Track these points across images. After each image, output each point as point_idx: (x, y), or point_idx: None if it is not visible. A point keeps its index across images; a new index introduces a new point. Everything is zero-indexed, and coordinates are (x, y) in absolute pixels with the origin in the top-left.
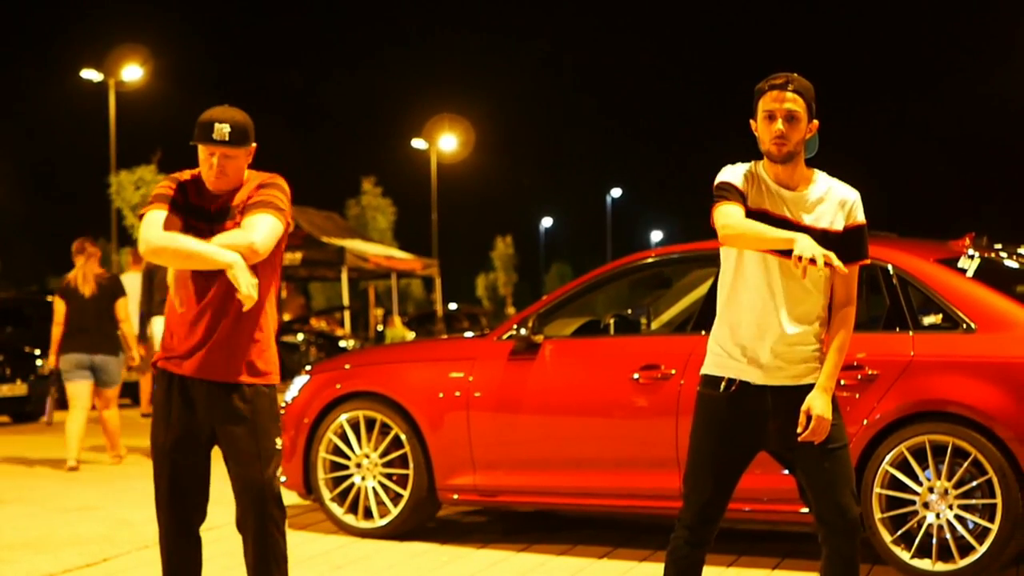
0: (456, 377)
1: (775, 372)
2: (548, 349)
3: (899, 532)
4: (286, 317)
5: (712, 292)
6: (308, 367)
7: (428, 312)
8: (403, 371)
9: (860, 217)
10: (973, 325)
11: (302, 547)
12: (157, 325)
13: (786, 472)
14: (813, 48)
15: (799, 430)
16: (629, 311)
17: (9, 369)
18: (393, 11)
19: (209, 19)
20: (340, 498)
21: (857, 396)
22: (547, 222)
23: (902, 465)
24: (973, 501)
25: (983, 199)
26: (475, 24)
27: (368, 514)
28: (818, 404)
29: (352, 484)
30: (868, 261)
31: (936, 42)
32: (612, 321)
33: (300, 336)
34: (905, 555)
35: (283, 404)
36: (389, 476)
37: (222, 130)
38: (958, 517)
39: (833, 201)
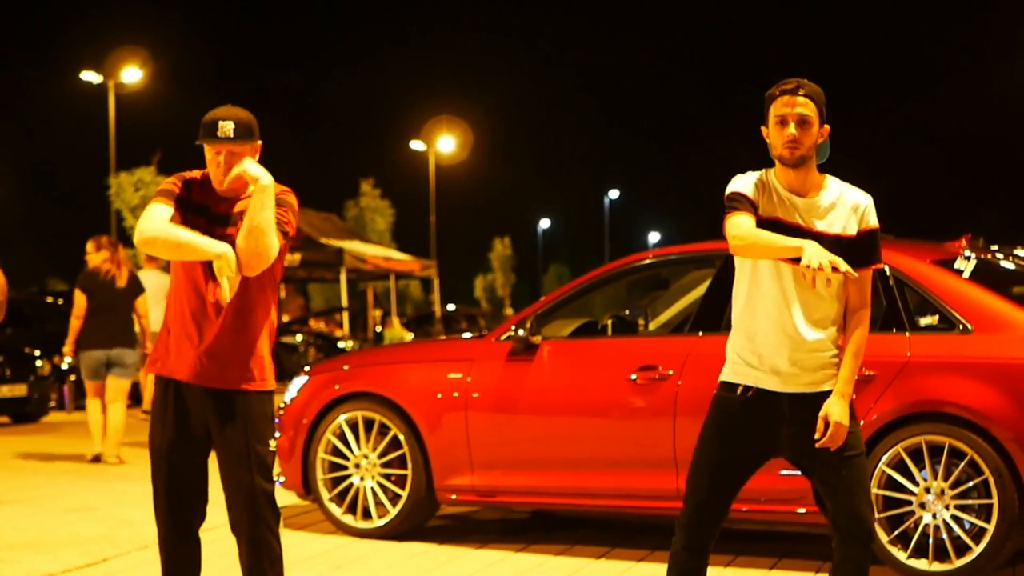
0: (454, 378)
1: (793, 379)
2: (546, 350)
3: (896, 532)
4: (285, 318)
5: (709, 293)
6: (307, 368)
7: (426, 313)
8: (402, 372)
9: (873, 221)
10: (969, 326)
11: (301, 547)
12: None
13: (784, 473)
14: (812, 49)
15: (816, 436)
16: (627, 312)
17: (9, 370)
18: (392, 12)
19: (208, 20)
20: (339, 498)
21: (854, 397)
22: (545, 223)
23: (899, 466)
24: (969, 501)
25: (981, 200)
26: (474, 25)
27: (367, 514)
28: (836, 410)
29: (351, 484)
30: (882, 265)
31: (935, 43)
32: (610, 322)
33: (299, 337)
34: (902, 555)
35: (282, 405)
36: (388, 476)
37: (226, 127)
38: (954, 517)
39: (846, 206)
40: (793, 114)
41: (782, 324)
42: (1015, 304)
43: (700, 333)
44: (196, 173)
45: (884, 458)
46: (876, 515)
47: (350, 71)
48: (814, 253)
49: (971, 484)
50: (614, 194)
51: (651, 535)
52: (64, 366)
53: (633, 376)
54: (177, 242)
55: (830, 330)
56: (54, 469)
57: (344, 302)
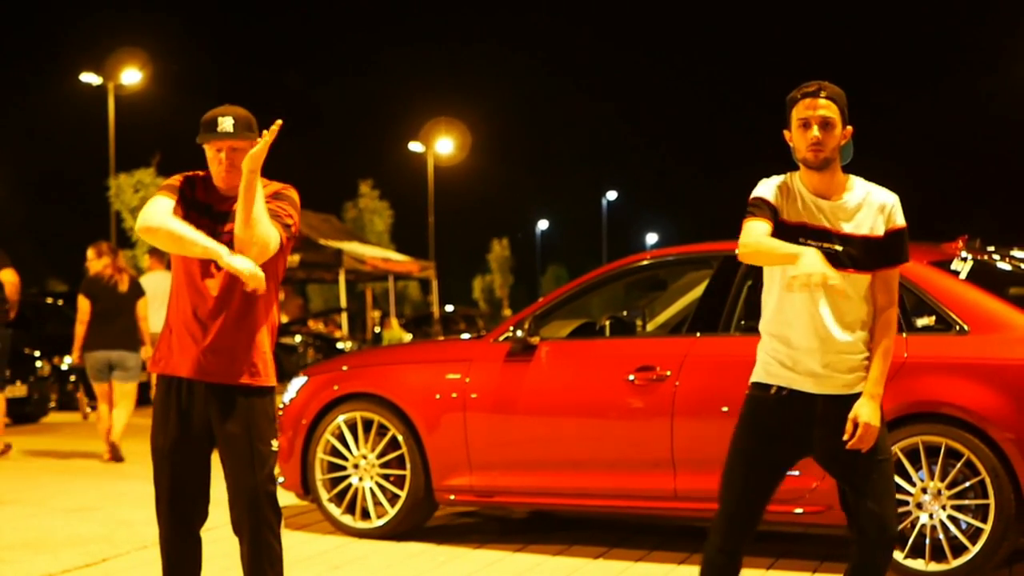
0: (453, 379)
1: (827, 381)
2: (544, 351)
3: None
4: (284, 319)
5: (707, 294)
6: (306, 369)
7: (425, 314)
8: (400, 373)
9: (900, 220)
10: (966, 327)
11: (300, 547)
12: None
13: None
14: (808, 52)
15: (845, 437)
16: (625, 313)
17: (9, 371)
18: (391, 15)
19: (207, 23)
20: (338, 499)
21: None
22: (543, 225)
23: (896, 466)
24: (966, 502)
25: (975, 202)
26: (472, 28)
27: (365, 514)
28: (865, 411)
29: (349, 485)
30: (908, 263)
31: (929, 46)
32: (608, 323)
33: (298, 338)
34: (898, 555)
35: (281, 405)
36: (386, 477)
37: (225, 123)
38: (951, 517)
39: (872, 206)
40: (816, 116)
41: (815, 327)
42: (1011, 305)
43: (698, 334)
44: (200, 172)
45: None
46: None
47: (349, 73)
48: (808, 263)
49: (968, 484)
50: (612, 195)
51: (649, 535)
52: (64, 367)
53: (631, 377)
54: (179, 236)
55: (861, 332)
56: (54, 469)
57: (343, 303)
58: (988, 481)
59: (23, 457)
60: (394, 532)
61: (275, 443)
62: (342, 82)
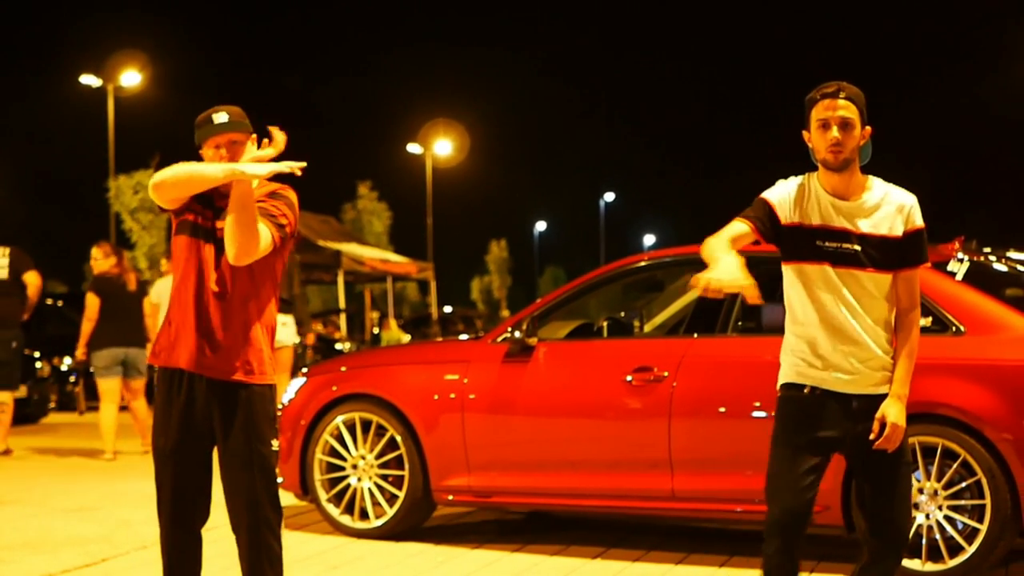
0: (451, 379)
1: (857, 381)
2: (542, 351)
3: None
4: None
5: (704, 295)
6: (304, 369)
7: (423, 315)
8: (399, 373)
9: (919, 221)
10: (962, 328)
11: (298, 547)
12: None
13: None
14: (807, 53)
15: (872, 437)
16: (622, 314)
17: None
18: (389, 17)
19: (206, 25)
20: (336, 499)
21: None
22: (541, 226)
23: None
24: (962, 502)
25: (971, 204)
26: (470, 31)
27: (364, 515)
28: (893, 412)
29: (348, 485)
30: (929, 264)
31: (928, 47)
32: (605, 324)
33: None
34: None
35: (280, 406)
36: (385, 477)
37: (220, 116)
38: (947, 518)
39: (891, 206)
40: (835, 117)
41: (842, 327)
42: (1008, 306)
43: (695, 335)
44: None
45: None
46: None
47: (348, 75)
48: (720, 269)
49: (964, 485)
50: (610, 197)
51: (647, 535)
52: (64, 368)
53: (628, 377)
54: (187, 173)
55: (885, 332)
56: (53, 469)
57: (342, 304)
58: (984, 481)
59: (23, 457)
60: (392, 532)
61: (275, 443)
62: (341, 83)
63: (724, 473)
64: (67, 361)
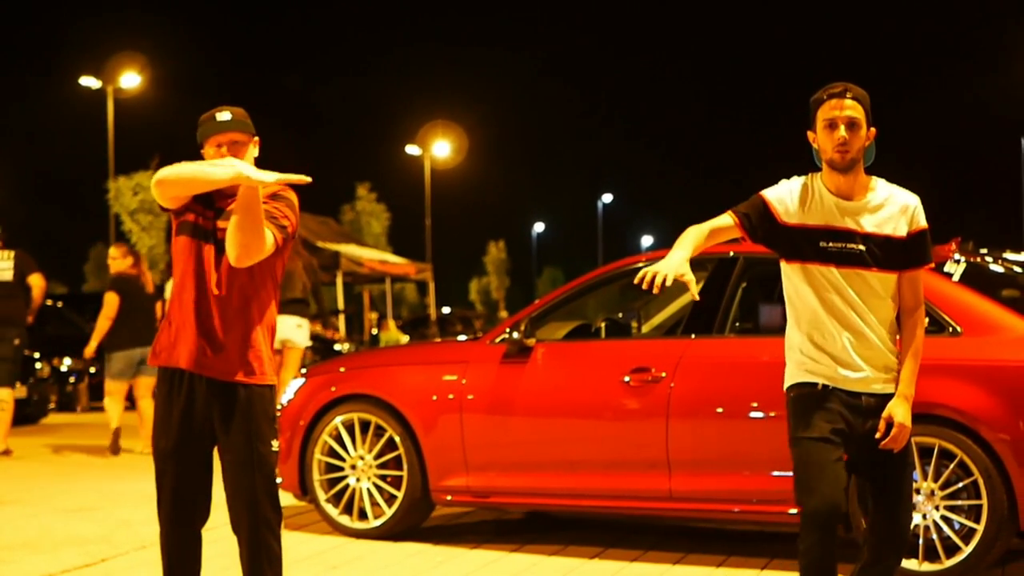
0: (449, 380)
1: (866, 379)
2: (540, 352)
3: None
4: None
5: (701, 296)
6: (303, 370)
7: (422, 316)
8: (397, 374)
9: (922, 222)
10: (959, 329)
11: (297, 547)
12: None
13: (775, 474)
14: (806, 54)
15: (879, 436)
16: (620, 315)
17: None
18: (388, 18)
19: (205, 27)
20: (335, 499)
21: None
22: (539, 227)
23: None
24: (959, 502)
25: (967, 205)
26: (469, 32)
27: (363, 515)
28: (900, 412)
29: (347, 485)
30: (933, 265)
31: (926, 49)
32: (603, 324)
33: None
34: None
35: (279, 407)
36: (383, 478)
37: (223, 115)
38: (944, 518)
39: (895, 207)
40: (843, 117)
41: (849, 326)
42: (1004, 307)
43: (692, 336)
44: None
45: None
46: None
47: (347, 76)
48: (662, 264)
49: (961, 485)
50: (607, 198)
51: (645, 535)
52: (64, 368)
53: (626, 378)
54: (190, 174)
55: (889, 331)
56: (53, 470)
57: (340, 305)
58: (981, 482)
59: (23, 457)
60: (391, 532)
61: (275, 443)
62: (340, 84)
63: (722, 473)
64: (67, 362)
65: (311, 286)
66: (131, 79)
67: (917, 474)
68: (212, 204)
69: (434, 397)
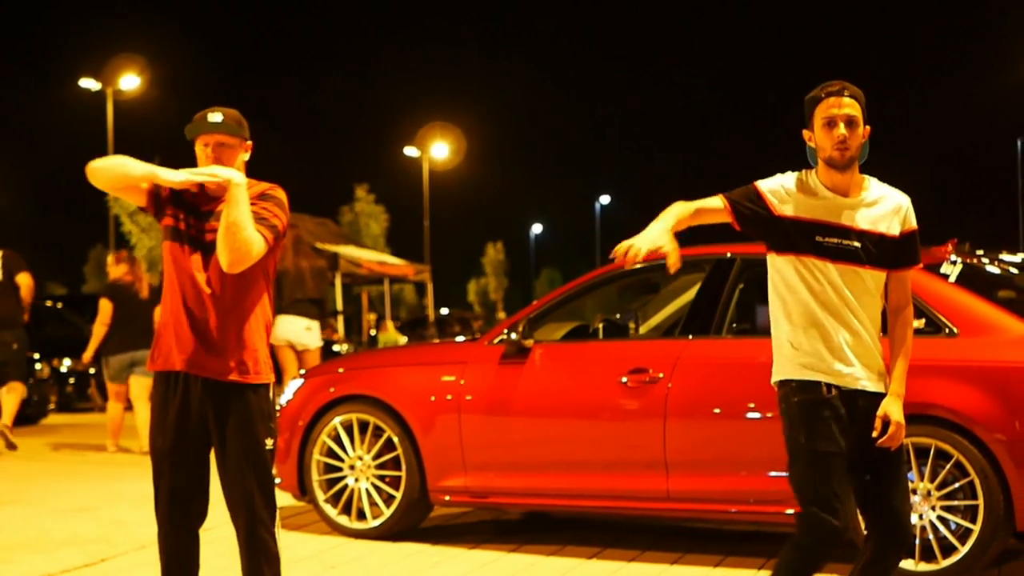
0: (448, 381)
1: (859, 377)
2: (538, 353)
3: None
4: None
5: (699, 297)
6: (302, 371)
7: (420, 317)
8: (396, 375)
9: (914, 222)
10: (955, 329)
11: (296, 547)
12: (283, 324)
13: (772, 475)
14: (804, 57)
15: (874, 435)
16: (618, 316)
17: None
18: (386, 22)
19: (205, 30)
20: (334, 499)
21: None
22: (537, 228)
23: None
24: (955, 502)
25: (964, 208)
26: (466, 35)
27: (361, 515)
28: (895, 410)
29: (346, 486)
30: (922, 265)
31: (922, 53)
32: (601, 325)
33: None
34: None
35: (278, 407)
36: (382, 478)
37: (214, 116)
38: (941, 518)
39: (888, 207)
40: (841, 115)
41: (843, 322)
42: (1000, 308)
43: (690, 336)
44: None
45: None
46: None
47: (345, 79)
48: (641, 237)
49: (957, 485)
50: (605, 200)
51: (642, 535)
52: (64, 369)
53: (624, 379)
54: (113, 165)
55: (877, 330)
56: (53, 470)
57: (339, 306)
58: (977, 482)
59: (23, 458)
60: (390, 532)
61: (270, 442)
62: (338, 88)
63: (719, 474)
64: (67, 362)
65: (319, 288)
66: (131, 81)
67: (913, 474)
68: (197, 208)
69: (432, 398)
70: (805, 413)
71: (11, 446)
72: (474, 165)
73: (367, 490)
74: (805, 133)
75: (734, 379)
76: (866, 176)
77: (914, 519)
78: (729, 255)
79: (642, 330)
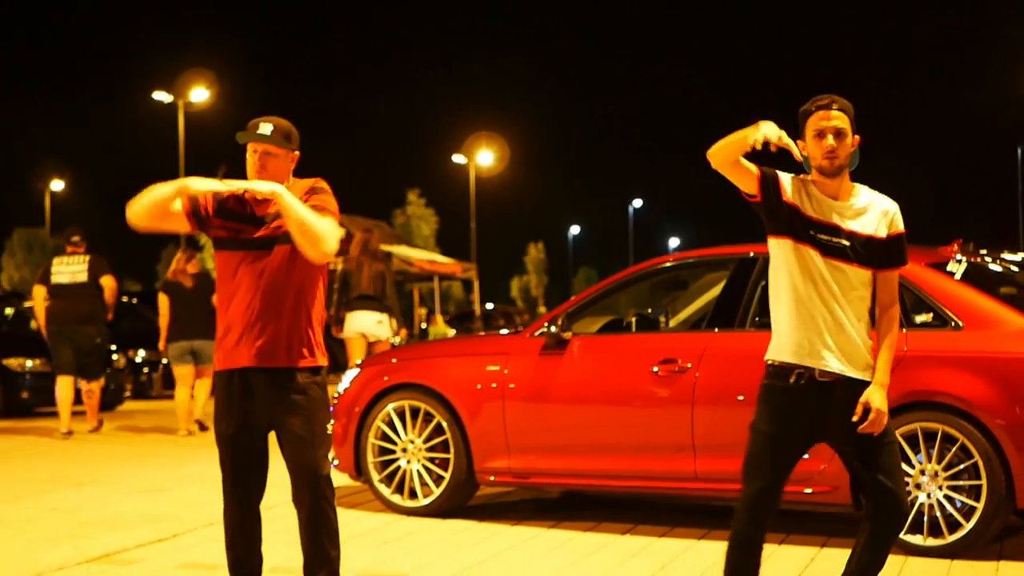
0: (493, 370)
1: (840, 365)
2: (576, 345)
3: None
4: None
5: (724, 293)
6: (359, 361)
7: (467, 311)
8: (445, 365)
9: (901, 226)
10: (961, 323)
11: (353, 524)
12: (350, 319)
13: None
14: (803, 60)
15: (855, 419)
16: (649, 310)
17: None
18: (437, 38)
19: (268, 46)
20: (387, 480)
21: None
22: (575, 230)
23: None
24: (961, 482)
25: (966, 211)
26: (510, 50)
27: (413, 494)
28: (877, 398)
29: (398, 467)
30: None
31: (925, 61)
32: (634, 319)
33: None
34: None
35: (336, 395)
36: (432, 460)
37: (264, 128)
38: (947, 497)
39: (877, 210)
40: (830, 127)
41: (830, 311)
42: (1002, 303)
43: (716, 329)
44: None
45: None
46: None
47: (398, 90)
48: (767, 127)
49: (962, 467)
50: (637, 203)
51: (671, 513)
52: (138, 359)
53: (655, 368)
54: (145, 200)
55: (867, 321)
56: (128, 454)
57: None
58: (981, 464)
59: (100, 442)
60: (439, 510)
61: (329, 426)
62: (392, 98)
63: (742, 456)
64: (141, 353)
65: (380, 287)
66: (200, 94)
67: (922, 456)
68: (243, 214)
69: (478, 386)
70: (763, 395)
71: (97, 428)
72: (517, 171)
73: (418, 471)
74: (799, 143)
75: (756, 369)
76: (856, 184)
77: (922, 498)
78: (752, 254)
79: (672, 324)
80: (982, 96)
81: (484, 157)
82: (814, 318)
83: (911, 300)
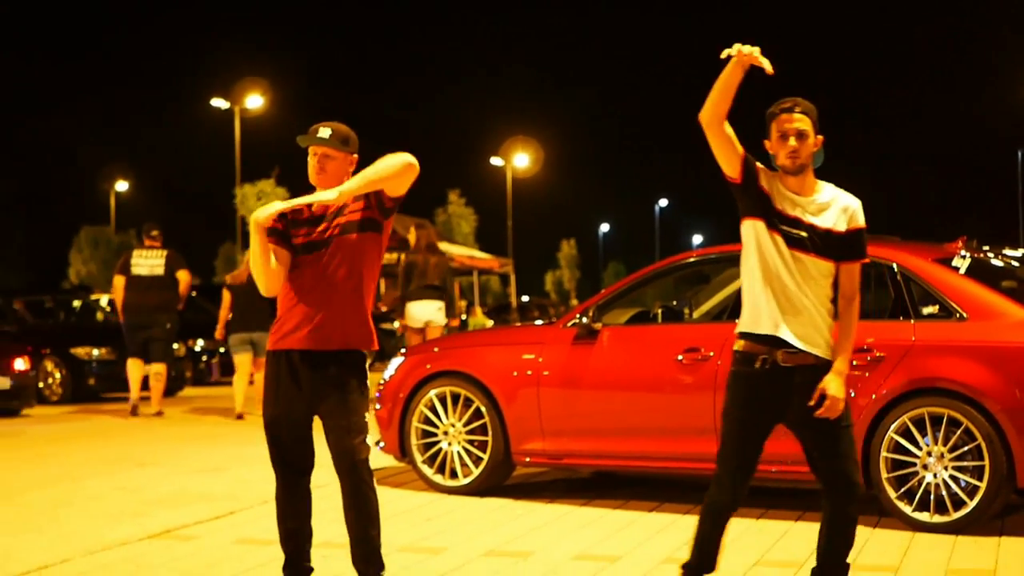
0: (528, 358)
1: (800, 344)
2: (605, 335)
3: (902, 489)
4: (384, 308)
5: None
6: (403, 350)
7: (504, 304)
8: (483, 353)
9: (861, 222)
10: (965, 314)
11: (397, 502)
12: (415, 308)
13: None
14: (803, 60)
15: (812, 404)
16: (674, 302)
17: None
18: (477, 48)
19: (319, 55)
20: (430, 461)
21: (867, 375)
22: (605, 227)
23: (905, 433)
24: (965, 463)
25: (967, 208)
26: (545, 59)
27: (453, 474)
28: (833, 386)
29: (440, 449)
30: (868, 260)
31: (926, 65)
32: (660, 311)
33: (396, 324)
34: (907, 509)
35: (381, 381)
36: (471, 442)
37: (323, 132)
38: (952, 477)
39: (838, 207)
40: (792, 129)
41: (792, 295)
42: (1004, 296)
43: (736, 320)
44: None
45: (893, 426)
46: (886, 475)
47: (440, 96)
48: (746, 47)
49: (966, 448)
50: (663, 203)
51: (696, 492)
52: (197, 348)
53: (680, 357)
54: (253, 259)
55: (825, 311)
56: (187, 436)
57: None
58: (984, 446)
59: (161, 426)
60: (478, 489)
61: (368, 413)
62: (434, 104)
63: None
64: (200, 342)
65: (441, 276)
66: (255, 100)
67: (929, 439)
68: (311, 219)
69: (515, 373)
70: (731, 381)
71: (159, 414)
72: (551, 173)
73: (458, 453)
74: (766, 143)
75: None
76: (820, 181)
77: (928, 478)
78: None
79: (695, 315)
80: (983, 100)
81: (520, 160)
82: (776, 294)
83: (918, 293)
